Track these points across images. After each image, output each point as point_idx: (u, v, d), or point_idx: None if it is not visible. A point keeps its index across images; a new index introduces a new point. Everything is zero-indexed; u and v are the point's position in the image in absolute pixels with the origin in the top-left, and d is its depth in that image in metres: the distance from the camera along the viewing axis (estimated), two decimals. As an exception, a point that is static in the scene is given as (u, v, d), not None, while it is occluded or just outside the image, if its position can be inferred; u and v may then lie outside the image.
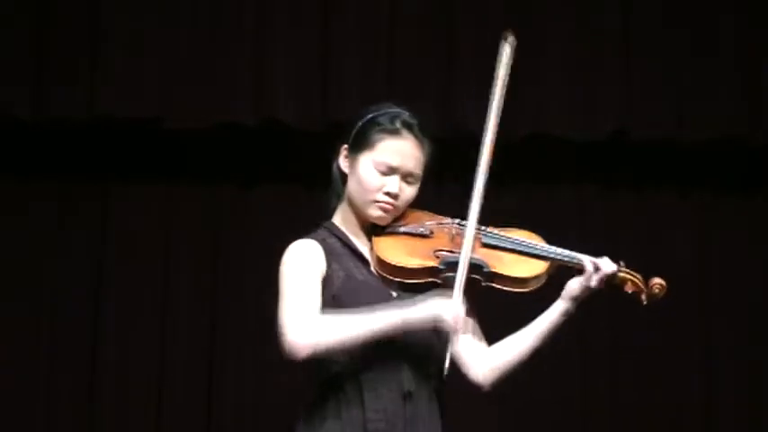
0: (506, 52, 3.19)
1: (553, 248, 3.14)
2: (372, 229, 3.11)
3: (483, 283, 3.05)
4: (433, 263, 3.03)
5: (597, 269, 3.12)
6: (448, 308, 2.92)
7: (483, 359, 3.14)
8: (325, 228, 3.12)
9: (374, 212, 3.08)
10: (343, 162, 3.14)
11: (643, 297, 3.18)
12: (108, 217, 5.52)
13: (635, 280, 3.17)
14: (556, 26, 5.28)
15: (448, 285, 3.00)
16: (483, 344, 3.16)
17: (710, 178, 5.57)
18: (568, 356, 5.29)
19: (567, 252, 3.14)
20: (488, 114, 3.16)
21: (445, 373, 2.96)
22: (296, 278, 2.98)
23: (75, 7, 5.19)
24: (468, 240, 3.02)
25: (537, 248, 3.13)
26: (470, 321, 3.10)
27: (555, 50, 5.27)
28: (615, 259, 3.16)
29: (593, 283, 3.11)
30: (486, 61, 5.23)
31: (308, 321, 2.91)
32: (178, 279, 5.50)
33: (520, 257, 3.11)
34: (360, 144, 3.09)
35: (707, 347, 5.51)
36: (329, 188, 3.19)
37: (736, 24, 5.30)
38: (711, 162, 5.52)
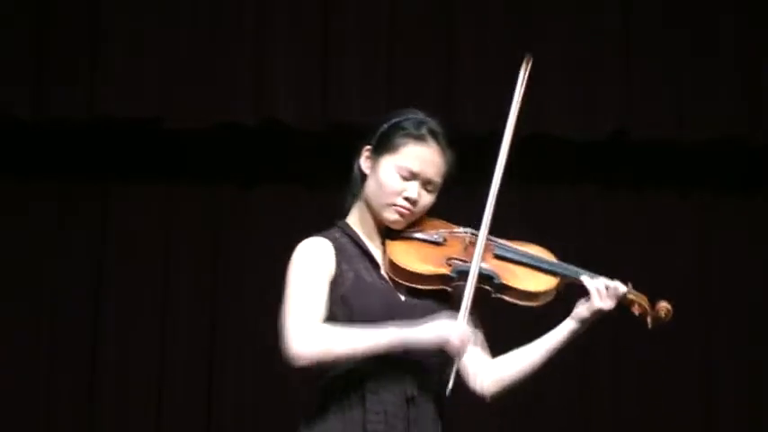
0: (523, 73, 3.19)
1: (564, 265, 3.15)
2: (386, 233, 3.11)
3: (493, 295, 3.06)
4: (444, 270, 3.04)
5: (608, 290, 3.12)
6: (455, 331, 2.92)
7: (486, 371, 3.13)
8: (338, 227, 3.11)
9: (390, 216, 3.08)
10: (364, 162, 3.12)
11: (649, 320, 3.18)
12: (108, 217, 5.52)
13: (642, 302, 3.18)
14: (556, 26, 5.28)
15: (458, 294, 3.02)
16: (487, 355, 3.15)
17: (710, 178, 5.57)
18: (568, 355, 5.28)
19: (578, 270, 3.14)
20: (505, 128, 3.15)
21: (447, 393, 2.97)
22: (303, 280, 2.98)
23: (75, 7, 5.19)
24: (479, 250, 3.02)
25: (548, 264, 3.13)
26: (475, 332, 3.09)
27: (555, 50, 5.26)
28: (624, 280, 3.17)
29: (604, 304, 3.11)
30: (487, 61, 5.28)
31: (311, 331, 2.91)
32: (178, 279, 5.50)
33: (531, 271, 3.11)
34: (383, 146, 3.09)
35: (707, 347, 5.50)
36: (347, 187, 3.17)
37: (736, 24, 5.30)
38: (711, 162, 5.52)
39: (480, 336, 3.14)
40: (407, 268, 3.03)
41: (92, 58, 5.16)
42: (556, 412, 5.38)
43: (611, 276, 3.16)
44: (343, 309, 2.98)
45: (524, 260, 3.12)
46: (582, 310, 3.12)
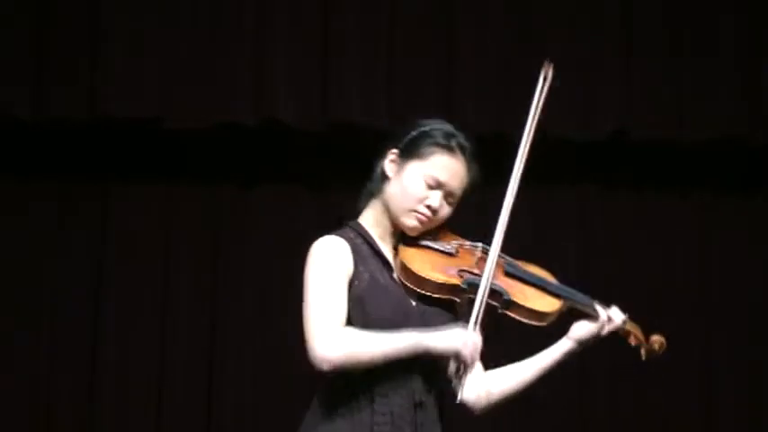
0: (543, 82, 3.20)
1: (570, 290, 3.18)
2: (400, 238, 3.12)
3: (499, 310, 3.09)
4: (456, 281, 3.06)
5: (610, 320, 3.17)
6: (468, 340, 2.95)
7: (478, 383, 3.14)
8: (351, 227, 3.11)
9: (409, 222, 3.09)
10: (388, 165, 3.12)
11: (643, 351, 3.26)
12: (108, 217, 5.52)
13: (638, 334, 3.24)
14: (556, 26, 5.28)
15: (464, 306, 3.06)
16: (479, 367, 3.16)
17: (710, 178, 5.57)
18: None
19: (581, 296, 3.18)
20: (520, 147, 3.16)
21: (458, 401, 3.01)
22: (325, 280, 2.98)
23: (75, 7, 5.19)
24: (490, 265, 3.05)
25: (554, 287, 3.17)
26: None
27: (555, 50, 5.26)
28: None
29: (603, 331, 3.17)
30: (487, 61, 5.28)
31: (337, 335, 2.93)
32: (178, 279, 5.51)
33: (538, 292, 3.15)
34: (412, 152, 3.10)
35: (707, 347, 5.51)
36: (364, 186, 3.17)
37: (736, 24, 5.30)
38: (711, 162, 5.52)
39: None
40: (420, 274, 3.04)
41: (92, 58, 5.16)
42: (554, 412, 5.38)
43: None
44: (358, 310, 2.99)
45: (532, 280, 3.16)
46: (582, 332, 3.17)
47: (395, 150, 3.12)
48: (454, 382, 3.00)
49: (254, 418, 5.41)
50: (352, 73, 5.23)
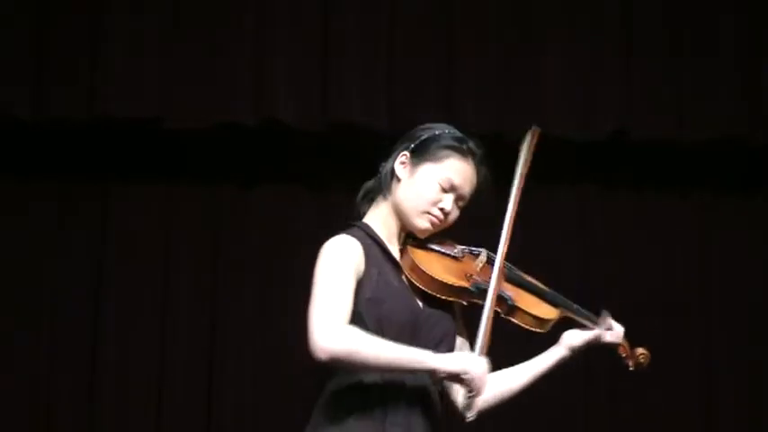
0: (527, 142, 3.22)
1: (564, 299, 3.22)
2: (407, 239, 3.13)
3: (502, 315, 3.10)
4: (465, 284, 3.07)
5: (609, 329, 3.25)
6: (476, 366, 2.95)
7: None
8: (359, 228, 3.10)
9: (421, 224, 3.09)
10: (399, 166, 3.12)
11: (630, 363, 3.35)
12: (108, 217, 5.52)
13: (625, 346, 3.32)
14: (556, 26, 5.28)
15: (463, 309, 3.10)
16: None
17: (710, 178, 5.57)
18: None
19: (576, 306, 3.23)
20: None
21: (470, 418, 3.01)
22: (334, 277, 2.96)
23: (75, 7, 5.19)
24: (497, 270, 3.07)
25: (551, 295, 3.20)
26: (464, 343, 3.16)
27: (555, 50, 5.27)
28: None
29: (602, 340, 3.26)
30: (487, 61, 5.28)
31: (338, 328, 2.91)
32: (178, 279, 5.51)
33: (537, 299, 3.18)
34: (425, 154, 3.09)
35: (707, 347, 5.51)
36: (373, 188, 3.16)
37: (736, 24, 5.30)
38: (711, 162, 5.52)
39: (466, 346, 3.17)
40: (432, 275, 3.05)
41: (92, 58, 5.16)
42: (554, 412, 5.38)
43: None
44: (370, 310, 2.98)
45: (533, 287, 3.19)
46: (576, 340, 3.23)
47: (406, 152, 3.11)
48: (463, 403, 3.02)
49: (254, 418, 5.41)
50: (352, 73, 5.23)
